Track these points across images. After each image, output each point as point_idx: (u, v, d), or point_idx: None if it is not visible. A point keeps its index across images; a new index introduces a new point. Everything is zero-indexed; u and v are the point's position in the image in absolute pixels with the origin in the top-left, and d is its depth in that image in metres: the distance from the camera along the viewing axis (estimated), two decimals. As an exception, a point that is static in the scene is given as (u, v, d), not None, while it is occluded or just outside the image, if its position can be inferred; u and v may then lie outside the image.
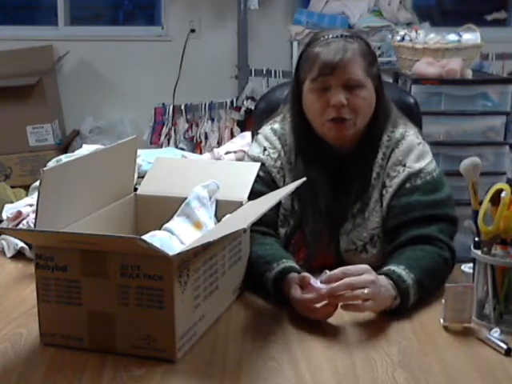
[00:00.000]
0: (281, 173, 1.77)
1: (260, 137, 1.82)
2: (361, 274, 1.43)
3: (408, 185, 1.68)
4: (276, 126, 1.81)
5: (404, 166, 1.69)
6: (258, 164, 1.74)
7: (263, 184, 1.74)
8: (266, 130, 1.82)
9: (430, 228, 1.62)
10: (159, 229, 1.59)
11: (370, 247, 1.71)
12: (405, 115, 1.82)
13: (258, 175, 1.73)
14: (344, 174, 1.73)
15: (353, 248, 1.71)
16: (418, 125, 1.97)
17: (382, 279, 1.46)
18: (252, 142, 1.89)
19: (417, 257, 1.56)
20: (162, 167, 1.82)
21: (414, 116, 2.01)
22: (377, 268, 1.54)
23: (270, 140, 1.80)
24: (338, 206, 1.72)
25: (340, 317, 1.46)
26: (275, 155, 1.78)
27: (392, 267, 1.51)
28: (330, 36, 1.68)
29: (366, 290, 1.40)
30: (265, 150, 1.79)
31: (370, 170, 1.72)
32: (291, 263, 1.57)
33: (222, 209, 1.65)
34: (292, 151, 1.77)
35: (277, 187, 1.73)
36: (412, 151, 1.71)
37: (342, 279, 1.42)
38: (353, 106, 1.66)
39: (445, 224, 1.65)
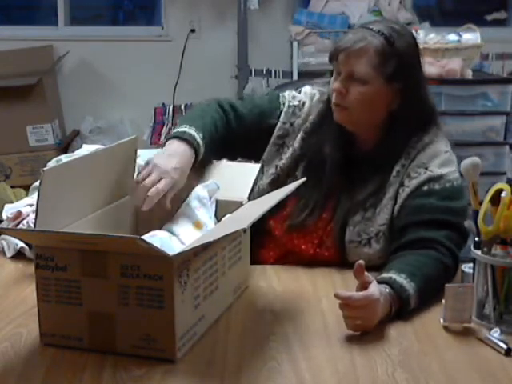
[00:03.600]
0: (293, 127, 1.83)
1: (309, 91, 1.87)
2: (365, 305, 1.39)
3: (426, 187, 1.67)
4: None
5: (426, 169, 1.68)
6: (258, 165, 1.76)
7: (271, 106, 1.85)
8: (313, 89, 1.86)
9: (437, 232, 1.61)
10: (159, 229, 1.59)
11: (375, 242, 1.70)
12: None
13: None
14: (363, 170, 1.74)
15: (357, 240, 1.71)
16: None
17: (381, 290, 1.44)
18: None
19: (419, 263, 1.55)
20: None
21: None
22: (378, 267, 1.56)
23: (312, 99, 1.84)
24: (353, 198, 1.73)
25: (340, 317, 1.45)
26: (304, 114, 1.83)
27: (393, 276, 1.50)
28: (362, 26, 1.73)
29: (358, 322, 1.40)
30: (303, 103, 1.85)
31: (390, 168, 1.71)
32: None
33: (222, 209, 1.65)
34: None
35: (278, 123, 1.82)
36: (437, 157, 1.70)
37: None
38: (349, 97, 1.69)
39: (454, 233, 1.63)
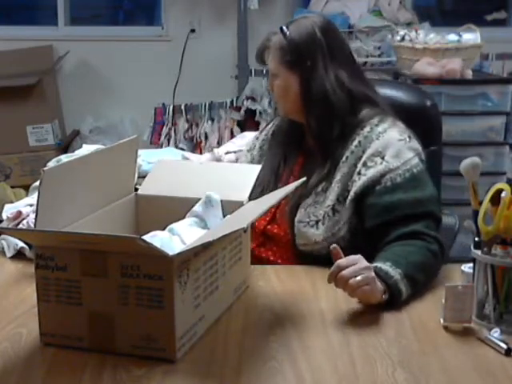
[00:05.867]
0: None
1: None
2: (353, 264, 1.46)
3: (389, 183, 1.70)
4: None
5: (383, 158, 1.72)
6: (259, 166, 1.80)
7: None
8: None
9: (417, 225, 1.66)
10: (161, 228, 1.59)
11: (321, 224, 1.75)
12: (421, 118, 1.85)
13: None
14: (315, 157, 1.82)
15: (306, 220, 1.77)
16: (435, 127, 2.00)
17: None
18: None
19: (405, 252, 1.59)
20: (163, 169, 1.82)
21: (431, 119, 2.03)
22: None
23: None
24: (306, 184, 1.78)
25: (340, 317, 1.46)
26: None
27: (378, 264, 1.54)
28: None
29: (358, 277, 1.44)
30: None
31: (340, 154, 1.76)
32: None
33: (223, 209, 1.65)
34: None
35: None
36: (392, 145, 1.73)
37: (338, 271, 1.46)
38: (274, 93, 1.89)
39: (430, 221, 1.68)
